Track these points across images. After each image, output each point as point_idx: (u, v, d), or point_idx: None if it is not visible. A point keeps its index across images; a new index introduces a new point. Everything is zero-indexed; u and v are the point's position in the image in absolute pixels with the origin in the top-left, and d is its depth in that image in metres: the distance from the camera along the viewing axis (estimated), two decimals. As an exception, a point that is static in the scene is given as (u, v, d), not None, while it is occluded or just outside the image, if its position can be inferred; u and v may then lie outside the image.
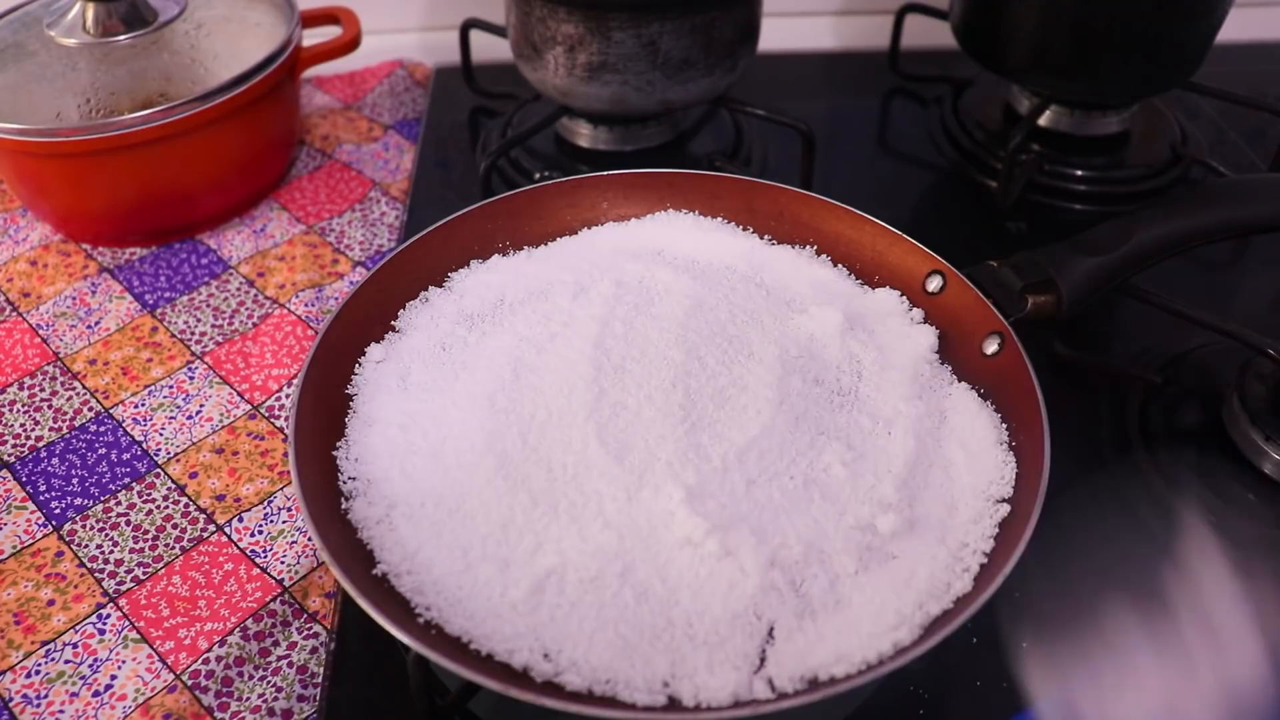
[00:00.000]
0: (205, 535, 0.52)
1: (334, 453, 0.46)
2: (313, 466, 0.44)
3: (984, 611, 0.37)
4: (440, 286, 0.54)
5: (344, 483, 0.45)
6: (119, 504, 0.54)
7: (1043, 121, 0.79)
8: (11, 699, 0.46)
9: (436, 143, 0.80)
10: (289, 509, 0.54)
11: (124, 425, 0.58)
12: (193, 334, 0.64)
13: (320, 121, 0.82)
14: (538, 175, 0.74)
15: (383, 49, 0.88)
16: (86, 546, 0.52)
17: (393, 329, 0.52)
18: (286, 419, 0.52)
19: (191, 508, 0.54)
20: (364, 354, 0.50)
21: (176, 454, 0.56)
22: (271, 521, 0.53)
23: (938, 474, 0.45)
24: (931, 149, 0.80)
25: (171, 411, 0.59)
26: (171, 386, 0.60)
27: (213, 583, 0.50)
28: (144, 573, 0.51)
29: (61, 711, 0.45)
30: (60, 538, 0.52)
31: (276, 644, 0.48)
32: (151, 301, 0.66)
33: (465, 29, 0.82)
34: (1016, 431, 0.46)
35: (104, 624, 0.49)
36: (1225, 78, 0.77)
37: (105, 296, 0.66)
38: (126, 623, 0.49)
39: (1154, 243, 0.52)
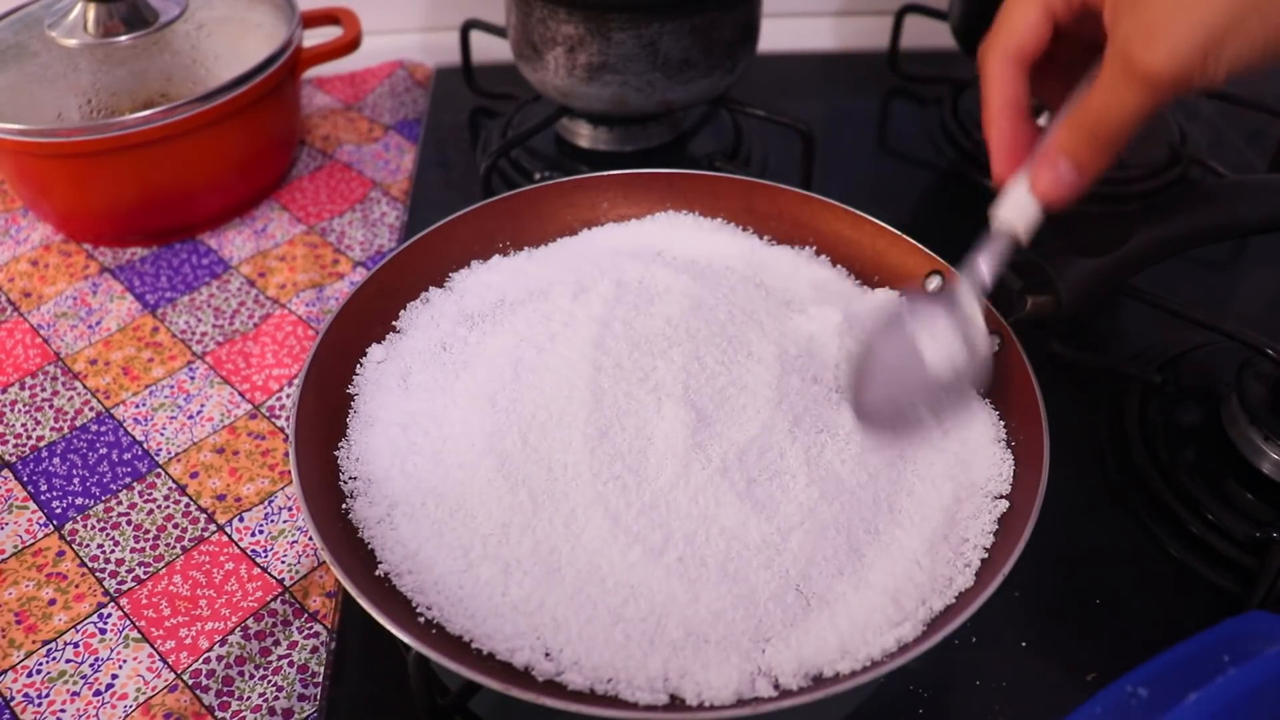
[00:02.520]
0: (206, 535, 0.52)
1: (335, 452, 0.46)
2: (313, 466, 0.44)
3: (984, 611, 0.37)
4: (441, 287, 0.54)
5: (345, 482, 0.45)
6: (120, 504, 0.54)
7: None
8: (13, 698, 0.46)
9: (437, 143, 0.81)
10: (290, 509, 0.54)
11: (125, 425, 0.58)
12: (193, 334, 0.64)
13: (321, 122, 0.82)
14: (538, 175, 0.74)
15: (383, 49, 0.88)
16: (87, 546, 0.52)
17: (393, 329, 0.52)
18: (287, 419, 0.52)
19: (192, 507, 0.54)
20: (365, 354, 0.50)
21: (177, 454, 0.56)
22: (272, 521, 0.53)
23: (938, 471, 0.45)
24: (931, 149, 0.80)
25: (172, 411, 0.59)
26: (172, 386, 0.60)
27: (213, 582, 0.50)
28: (145, 572, 0.51)
29: (63, 711, 0.45)
30: (61, 537, 0.52)
31: (277, 643, 0.48)
32: (152, 301, 0.66)
33: (465, 29, 0.82)
34: (1016, 431, 0.46)
35: (105, 623, 0.49)
36: (1224, 78, 0.77)
37: (106, 296, 0.66)
38: (127, 622, 0.49)
39: (1153, 243, 0.52)
